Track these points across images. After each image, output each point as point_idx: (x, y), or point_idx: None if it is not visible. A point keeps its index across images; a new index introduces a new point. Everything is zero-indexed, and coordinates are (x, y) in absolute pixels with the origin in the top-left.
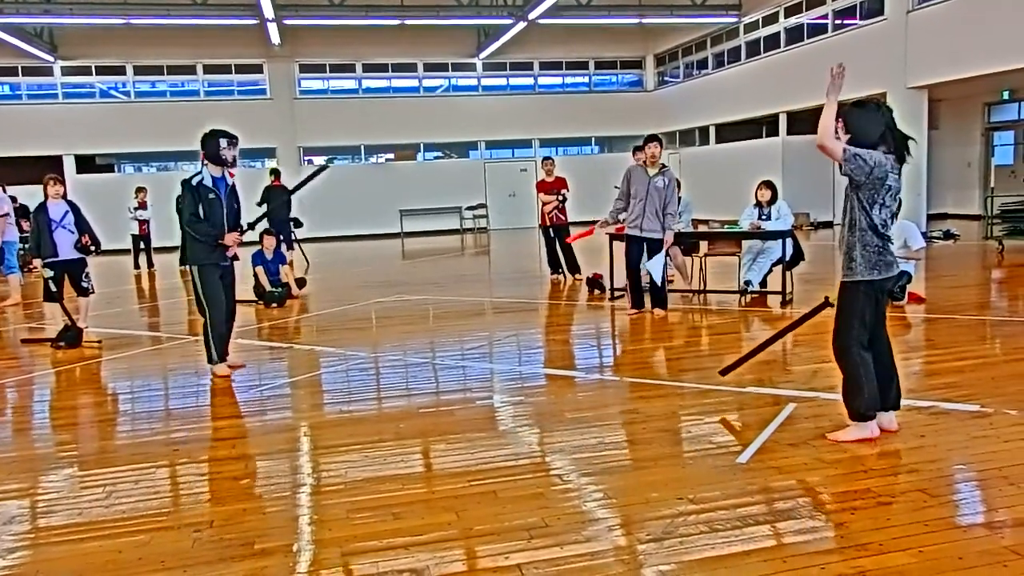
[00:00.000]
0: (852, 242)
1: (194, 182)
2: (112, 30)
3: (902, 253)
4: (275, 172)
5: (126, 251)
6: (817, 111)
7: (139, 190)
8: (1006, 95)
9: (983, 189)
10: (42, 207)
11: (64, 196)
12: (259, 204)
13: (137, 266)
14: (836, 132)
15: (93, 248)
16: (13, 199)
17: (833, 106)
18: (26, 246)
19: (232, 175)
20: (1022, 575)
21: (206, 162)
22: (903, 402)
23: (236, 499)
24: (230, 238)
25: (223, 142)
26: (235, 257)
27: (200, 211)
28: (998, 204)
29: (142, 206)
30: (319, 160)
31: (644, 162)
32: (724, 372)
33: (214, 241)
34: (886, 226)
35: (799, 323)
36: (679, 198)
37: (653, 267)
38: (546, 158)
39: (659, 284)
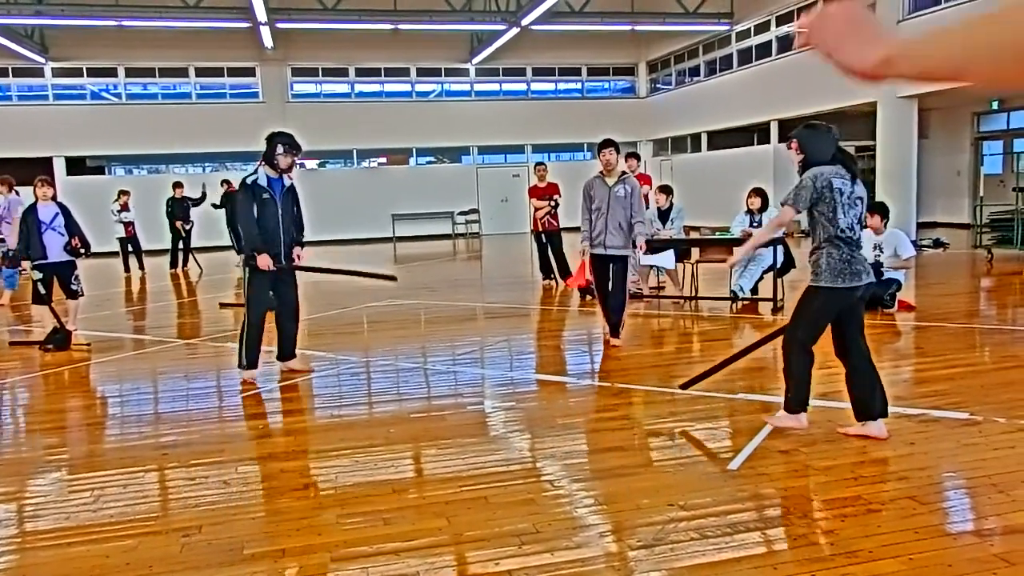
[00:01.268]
0: (819, 252)
1: (248, 181)
2: (104, 32)
3: (893, 262)
4: (227, 181)
5: (115, 254)
6: (810, 118)
7: (121, 192)
8: (995, 105)
9: (972, 198)
10: (32, 209)
11: (54, 198)
12: (216, 207)
13: (127, 269)
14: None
15: (83, 251)
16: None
17: (765, 239)
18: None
19: (291, 177)
20: None
21: (263, 162)
22: (892, 409)
23: (225, 504)
24: (262, 262)
25: (280, 148)
26: (280, 266)
27: (254, 211)
28: (987, 213)
29: (124, 208)
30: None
31: (601, 171)
32: (685, 386)
33: (254, 254)
34: (853, 230)
35: (760, 344)
36: (672, 205)
37: (664, 261)
38: (539, 163)
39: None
